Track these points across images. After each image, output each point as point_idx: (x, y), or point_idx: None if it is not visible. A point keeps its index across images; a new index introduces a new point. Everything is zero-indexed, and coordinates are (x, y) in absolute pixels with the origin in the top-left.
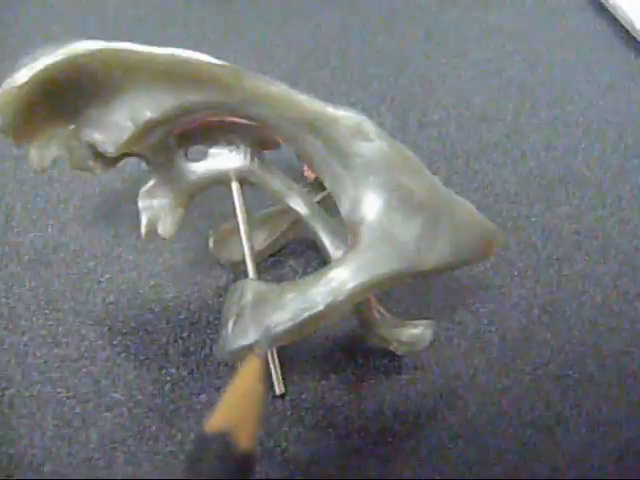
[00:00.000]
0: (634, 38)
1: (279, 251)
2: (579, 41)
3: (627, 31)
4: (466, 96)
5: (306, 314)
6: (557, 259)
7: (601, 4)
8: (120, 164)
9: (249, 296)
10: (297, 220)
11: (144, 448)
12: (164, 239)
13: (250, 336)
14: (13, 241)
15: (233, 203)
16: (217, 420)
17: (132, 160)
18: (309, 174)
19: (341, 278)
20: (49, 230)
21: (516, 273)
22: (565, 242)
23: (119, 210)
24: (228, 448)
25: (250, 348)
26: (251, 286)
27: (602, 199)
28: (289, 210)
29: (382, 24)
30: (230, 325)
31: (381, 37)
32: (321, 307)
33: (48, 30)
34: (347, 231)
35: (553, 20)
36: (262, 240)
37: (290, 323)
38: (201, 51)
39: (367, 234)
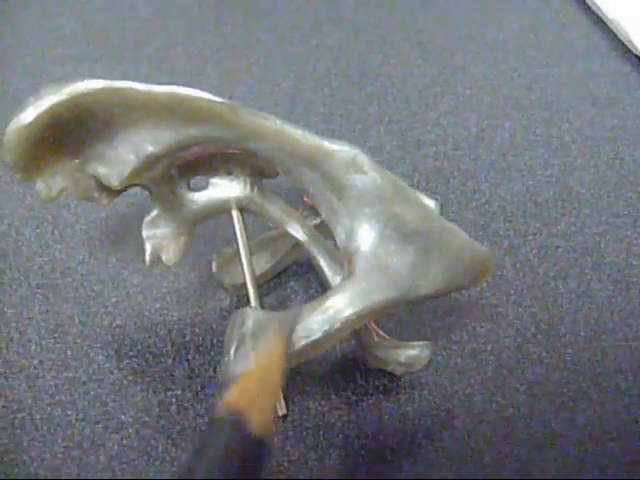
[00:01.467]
0: (632, 53)
1: (280, 273)
2: (576, 57)
3: (624, 46)
4: (463, 114)
5: (303, 342)
6: (553, 277)
7: (599, 19)
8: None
9: (249, 324)
10: (297, 243)
11: (151, 469)
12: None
13: (251, 361)
14: (22, 266)
15: (234, 231)
16: (231, 399)
17: None
18: (308, 200)
19: (337, 307)
20: (57, 254)
21: (512, 292)
22: (561, 260)
23: (125, 234)
24: (240, 430)
25: None
26: (251, 314)
27: (598, 217)
28: (289, 234)
29: (379, 44)
30: (232, 352)
31: (379, 57)
32: (318, 335)
33: (51, 55)
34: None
35: (550, 36)
36: (263, 263)
37: (289, 350)
38: (202, 72)
39: (362, 264)
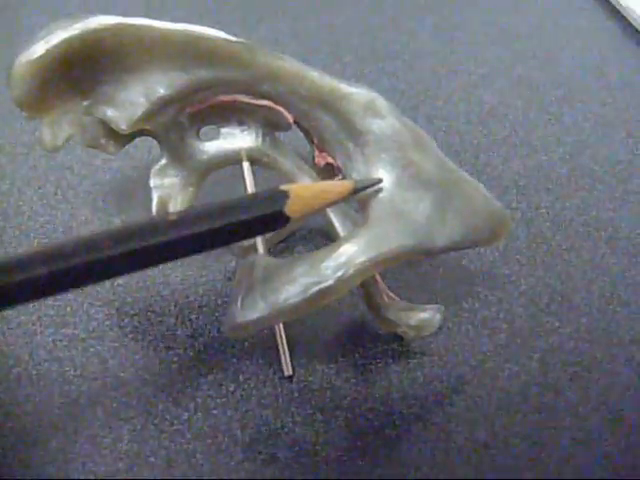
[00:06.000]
0: None
1: (288, 238)
2: (589, 42)
3: (637, 31)
4: (475, 92)
5: (316, 288)
6: (566, 249)
7: (611, 5)
8: (131, 151)
9: (259, 270)
10: None
11: (150, 427)
12: None
13: (259, 310)
14: (24, 225)
15: (244, 183)
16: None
17: (143, 147)
18: (319, 161)
19: (351, 252)
20: (59, 215)
21: (525, 262)
22: (574, 233)
23: (129, 196)
24: (276, 202)
25: (259, 322)
26: (261, 261)
27: (610, 193)
28: None
29: (391, 23)
30: (239, 300)
31: (390, 35)
32: (331, 282)
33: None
34: (357, 209)
35: (563, 21)
36: None
37: (300, 297)
38: None
39: (378, 210)
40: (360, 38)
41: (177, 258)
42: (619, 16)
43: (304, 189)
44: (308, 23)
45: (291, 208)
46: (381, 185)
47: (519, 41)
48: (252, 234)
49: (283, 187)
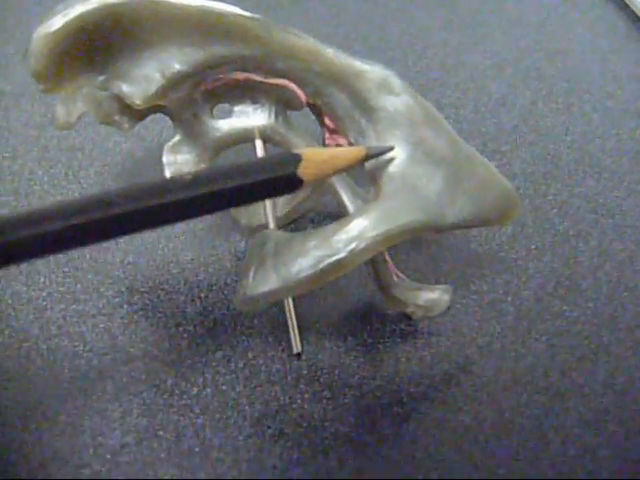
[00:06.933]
0: None
1: (297, 219)
2: (597, 34)
3: None
4: (483, 82)
5: (328, 261)
6: (573, 235)
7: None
8: (142, 132)
9: (271, 244)
10: (316, 188)
11: (159, 401)
12: None
13: (271, 283)
14: (34, 204)
15: None
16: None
17: (154, 129)
18: (330, 143)
19: (363, 226)
20: (70, 194)
21: (533, 247)
22: (581, 220)
23: (140, 177)
24: (290, 165)
25: (271, 295)
26: (272, 235)
27: (618, 182)
28: None
29: (400, 14)
30: (251, 273)
31: (400, 25)
32: (343, 254)
33: None
34: (369, 184)
35: (571, 13)
36: (281, 207)
37: (312, 270)
38: None
39: (390, 185)
40: (370, 28)
41: (192, 217)
42: (627, 8)
43: (317, 153)
44: (318, 12)
45: (304, 171)
46: (393, 159)
47: (528, 32)
48: (265, 195)
49: (296, 150)
